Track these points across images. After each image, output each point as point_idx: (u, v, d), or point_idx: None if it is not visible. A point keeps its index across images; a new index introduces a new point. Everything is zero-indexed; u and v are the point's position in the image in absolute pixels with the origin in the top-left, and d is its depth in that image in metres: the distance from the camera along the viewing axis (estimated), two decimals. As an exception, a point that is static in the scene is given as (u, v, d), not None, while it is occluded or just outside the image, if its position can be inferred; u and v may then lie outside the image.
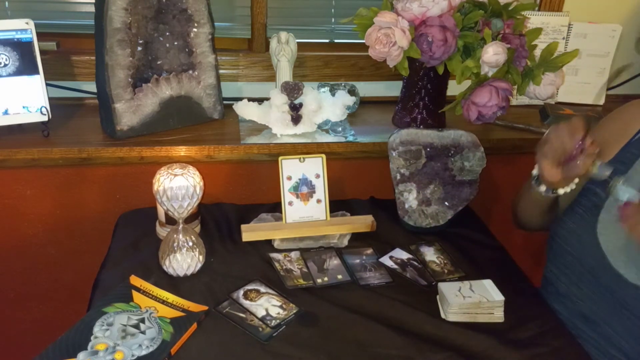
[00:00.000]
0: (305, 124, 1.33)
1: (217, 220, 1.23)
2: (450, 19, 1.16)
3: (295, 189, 1.16)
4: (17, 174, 1.26)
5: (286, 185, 1.15)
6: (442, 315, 1.00)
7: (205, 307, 0.96)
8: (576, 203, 1.06)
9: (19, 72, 1.19)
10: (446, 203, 1.24)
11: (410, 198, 1.23)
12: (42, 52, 1.21)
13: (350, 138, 1.33)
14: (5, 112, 1.20)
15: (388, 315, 0.99)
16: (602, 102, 1.60)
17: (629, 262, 0.95)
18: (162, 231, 1.15)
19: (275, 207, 1.24)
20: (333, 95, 1.39)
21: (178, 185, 1.01)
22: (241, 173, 1.36)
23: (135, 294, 0.98)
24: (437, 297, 1.03)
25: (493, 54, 1.16)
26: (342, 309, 0.99)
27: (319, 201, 1.17)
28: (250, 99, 1.35)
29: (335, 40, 1.59)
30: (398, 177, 1.23)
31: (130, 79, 1.21)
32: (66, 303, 1.43)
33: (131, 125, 1.24)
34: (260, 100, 1.35)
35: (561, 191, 1.01)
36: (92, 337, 0.88)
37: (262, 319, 0.96)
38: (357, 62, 1.49)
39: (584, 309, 1.02)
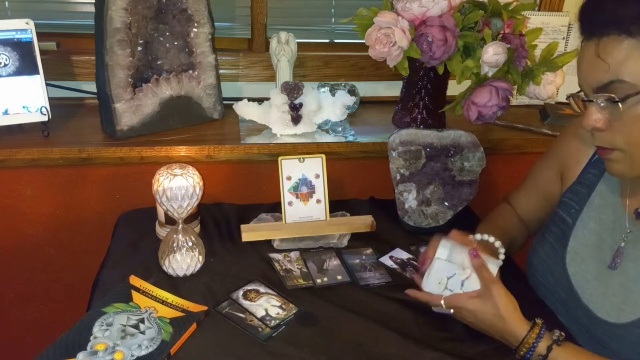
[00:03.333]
0: (305, 124, 1.33)
1: (216, 221, 1.23)
2: (450, 19, 1.16)
3: (295, 189, 1.16)
4: (17, 174, 1.26)
5: (286, 186, 1.15)
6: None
7: (204, 308, 0.96)
8: (546, 229, 1.05)
9: (19, 72, 1.19)
10: (446, 203, 1.24)
11: (410, 198, 1.23)
12: (42, 52, 1.21)
13: (350, 138, 1.33)
14: (5, 112, 1.20)
15: (388, 315, 0.99)
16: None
17: (597, 296, 0.93)
18: (161, 231, 1.15)
19: (275, 207, 1.24)
20: (333, 95, 1.38)
21: (177, 186, 1.01)
22: (241, 173, 1.36)
23: (134, 294, 0.98)
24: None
25: (493, 54, 1.16)
26: (341, 309, 0.99)
27: (318, 201, 1.17)
28: (250, 99, 1.35)
29: (335, 40, 1.59)
30: (398, 177, 1.23)
31: (130, 79, 1.21)
32: (66, 303, 1.43)
33: (131, 125, 1.24)
34: (260, 100, 1.35)
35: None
36: (91, 337, 0.88)
37: (262, 319, 0.95)
38: (357, 62, 1.49)
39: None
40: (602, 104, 0.79)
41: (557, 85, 1.30)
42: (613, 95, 0.77)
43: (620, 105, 0.77)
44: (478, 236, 1.05)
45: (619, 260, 0.92)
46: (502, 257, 1.02)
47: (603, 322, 0.91)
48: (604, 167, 0.95)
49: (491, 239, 1.03)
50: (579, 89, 0.84)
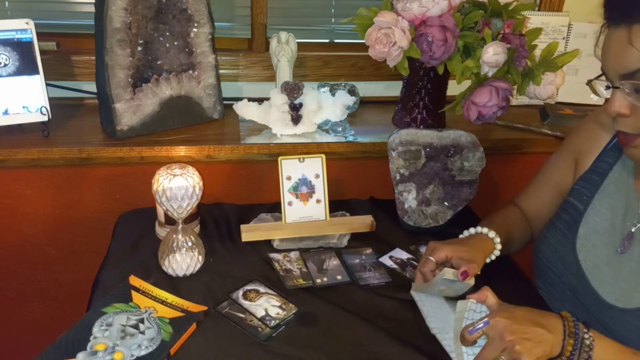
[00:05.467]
0: (305, 124, 1.33)
1: (216, 221, 1.23)
2: (450, 19, 1.16)
3: (295, 189, 1.16)
4: (17, 174, 1.26)
5: (286, 186, 1.15)
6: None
7: (204, 308, 0.96)
8: (556, 217, 1.05)
9: (19, 72, 1.19)
10: (446, 203, 1.24)
11: (409, 198, 1.23)
12: (42, 52, 1.21)
13: (350, 138, 1.33)
14: (5, 112, 1.20)
15: (388, 315, 0.99)
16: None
17: (607, 281, 0.93)
18: (161, 231, 1.15)
19: (274, 207, 1.24)
20: (333, 95, 1.39)
21: (177, 186, 1.01)
22: (241, 173, 1.36)
23: (134, 294, 0.98)
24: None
25: (493, 54, 1.16)
26: (341, 309, 0.99)
27: (318, 201, 1.17)
28: (250, 99, 1.35)
29: (335, 40, 1.59)
30: (398, 177, 1.23)
31: (130, 79, 1.21)
32: (66, 303, 1.43)
33: (131, 125, 1.24)
34: (260, 100, 1.35)
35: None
36: (91, 338, 0.88)
37: (262, 319, 0.96)
38: (357, 62, 1.49)
39: None
40: (628, 91, 0.80)
41: (557, 85, 1.30)
42: None
43: None
44: (466, 232, 1.07)
45: (628, 244, 0.92)
46: (498, 246, 1.04)
47: (611, 307, 0.91)
48: (618, 155, 0.97)
49: (484, 230, 1.05)
50: (598, 74, 0.86)
